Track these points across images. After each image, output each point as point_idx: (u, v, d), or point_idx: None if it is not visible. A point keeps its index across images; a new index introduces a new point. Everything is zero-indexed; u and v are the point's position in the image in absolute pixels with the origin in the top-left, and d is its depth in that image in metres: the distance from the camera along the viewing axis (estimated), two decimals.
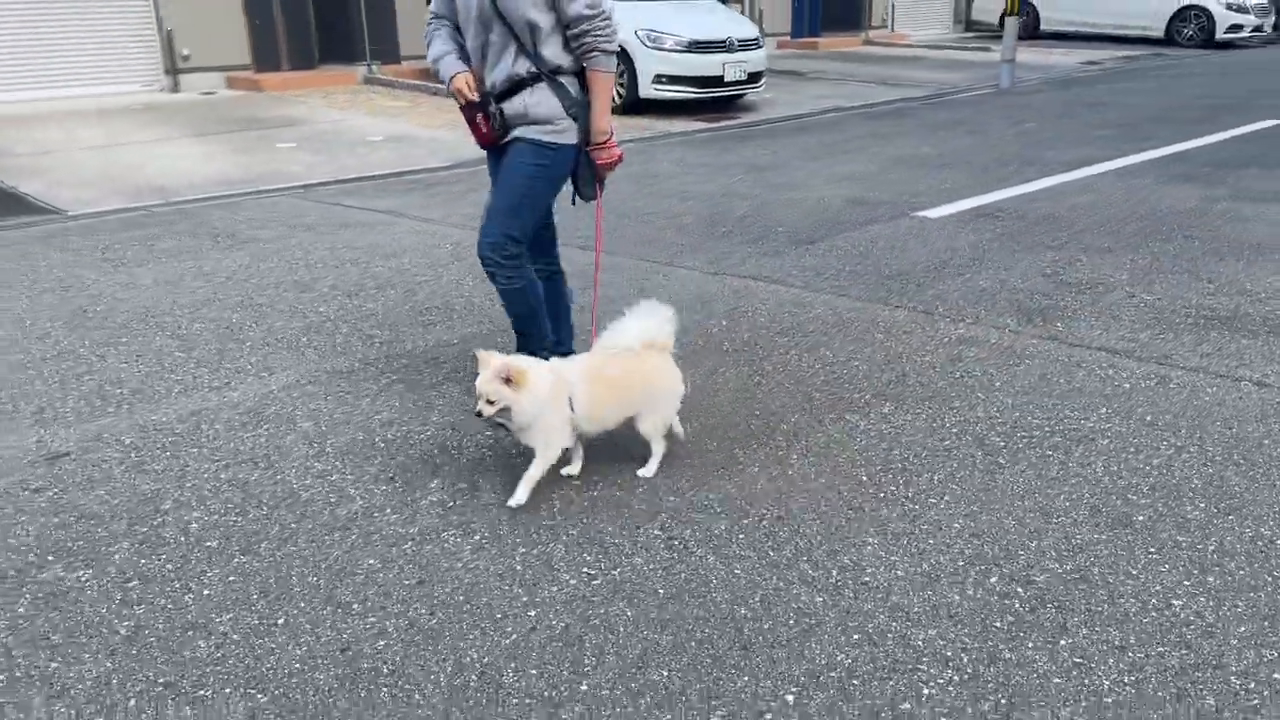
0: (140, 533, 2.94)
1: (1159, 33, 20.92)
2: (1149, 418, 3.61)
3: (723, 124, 11.44)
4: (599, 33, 3.30)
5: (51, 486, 3.23)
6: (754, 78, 12.42)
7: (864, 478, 3.23)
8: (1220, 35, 20.44)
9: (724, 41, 12.02)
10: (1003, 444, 3.43)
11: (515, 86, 3.36)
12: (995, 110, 12.04)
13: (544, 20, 3.26)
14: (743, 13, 16.85)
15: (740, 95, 12.59)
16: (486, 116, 3.39)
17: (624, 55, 11.70)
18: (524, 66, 3.32)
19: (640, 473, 3.23)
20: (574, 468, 3.24)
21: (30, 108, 11.44)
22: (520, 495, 3.04)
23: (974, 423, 3.60)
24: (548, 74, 3.34)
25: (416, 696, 2.28)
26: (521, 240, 3.49)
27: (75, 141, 9.68)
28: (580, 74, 3.41)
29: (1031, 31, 21.69)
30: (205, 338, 4.59)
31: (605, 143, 3.49)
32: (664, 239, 6.26)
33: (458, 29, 3.48)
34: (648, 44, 11.69)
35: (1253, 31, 20.86)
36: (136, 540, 2.91)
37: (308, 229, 6.68)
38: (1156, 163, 8.37)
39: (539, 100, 3.36)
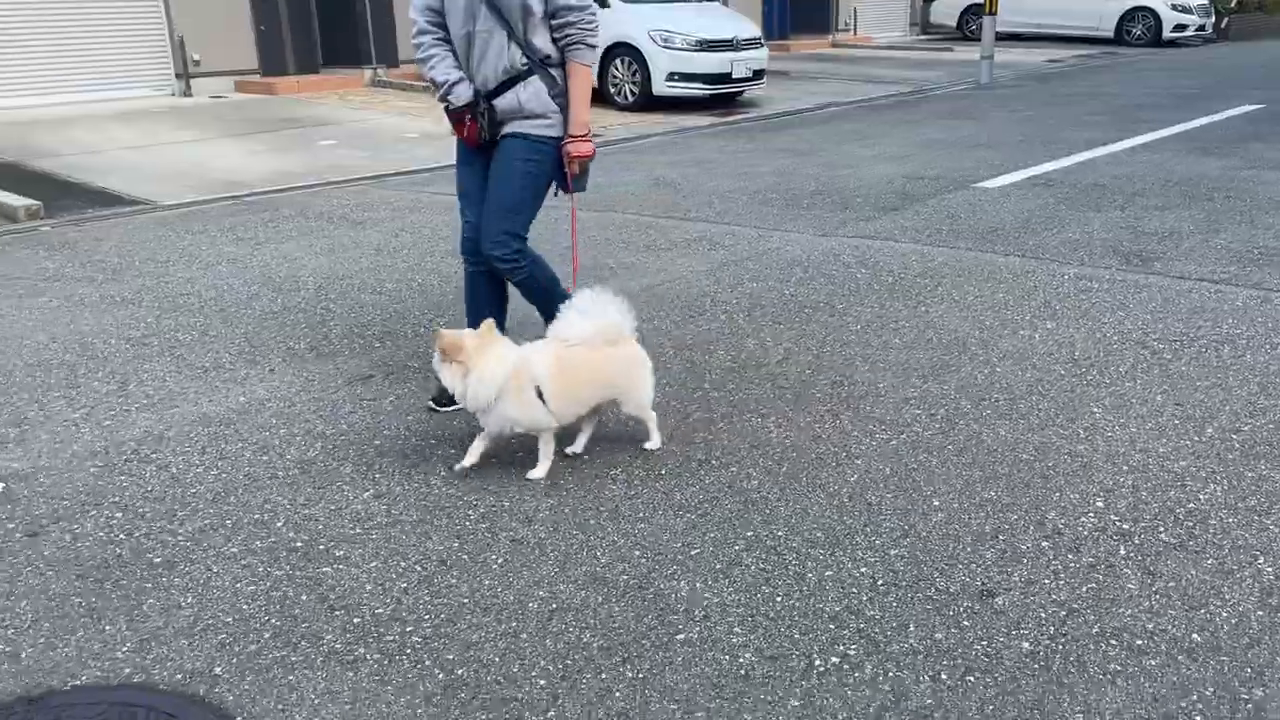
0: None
1: (1109, 33, 22.38)
2: (1269, 324, 4.43)
3: (736, 118, 12.21)
4: (584, 24, 3.35)
5: (381, 396, 3.81)
6: (758, 74, 13.26)
7: (1062, 371, 3.97)
8: (1166, 35, 21.96)
9: (730, 40, 12.83)
10: (1161, 345, 4.21)
11: (510, 80, 3.40)
12: (987, 102, 13.02)
13: (538, 7, 3.32)
14: None
15: (742, 92, 13.41)
16: (474, 118, 3.43)
17: (637, 54, 12.46)
18: (517, 56, 3.37)
19: (647, 445, 3.34)
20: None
21: (54, 111, 11.71)
22: (539, 470, 3.16)
23: (1129, 332, 4.37)
24: (539, 63, 3.40)
25: (813, 510, 2.94)
26: (523, 235, 3.59)
27: (115, 142, 10.04)
28: (564, 65, 3.46)
29: None
30: (410, 295, 5.17)
31: (584, 135, 3.49)
32: (757, 210, 6.97)
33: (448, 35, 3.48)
34: (660, 43, 12.43)
35: (1196, 31, 22.44)
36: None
37: (414, 211, 7.24)
38: (1164, 141, 9.35)
39: (533, 94, 3.41)
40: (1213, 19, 23.27)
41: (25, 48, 12.04)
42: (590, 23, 3.36)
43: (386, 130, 11.09)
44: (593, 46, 3.40)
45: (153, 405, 3.77)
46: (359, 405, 3.74)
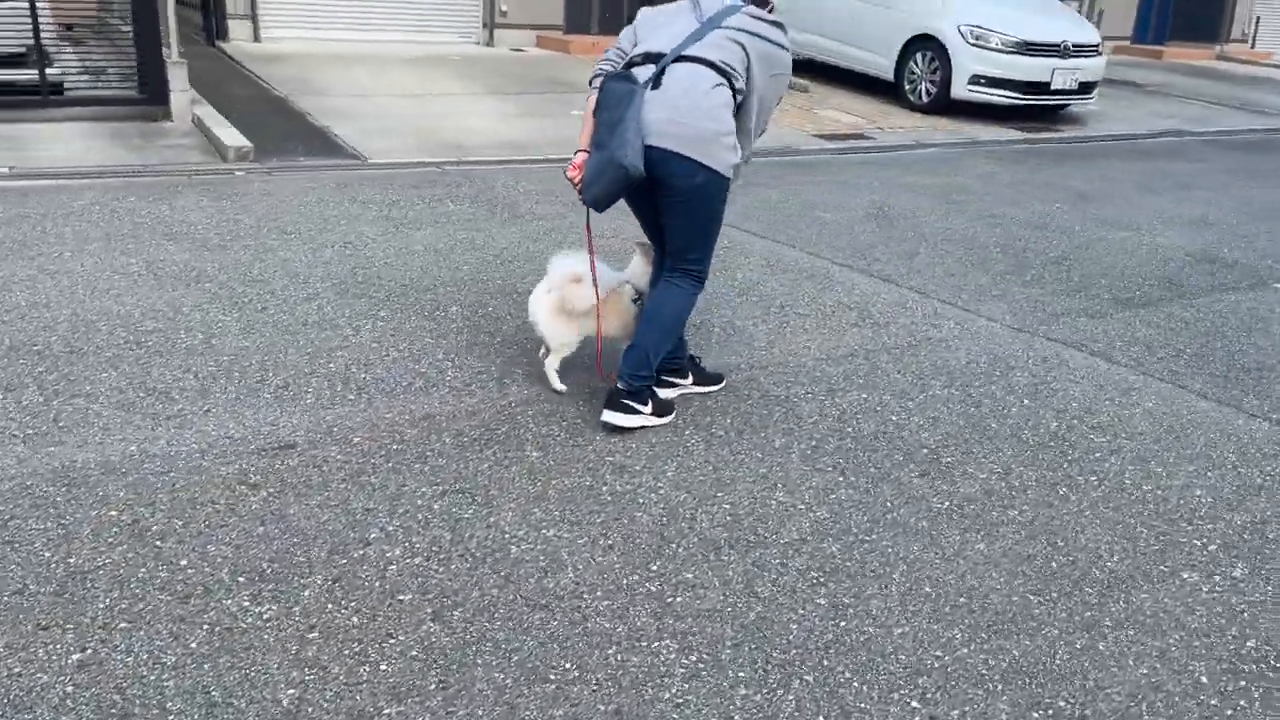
0: None
1: None
2: None
3: (1041, 135, 10.27)
4: None
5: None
6: (1085, 88, 11.10)
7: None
8: None
9: (1058, 45, 10.78)
10: None
11: None
12: None
13: None
14: (1080, 11, 15.15)
15: (1065, 105, 11.31)
16: None
17: (940, 50, 10.75)
18: None
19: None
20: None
21: (358, 48, 11.90)
22: None
23: None
24: None
25: None
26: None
27: (388, 88, 9.94)
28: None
29: None
30: (463, 324, 4.34)
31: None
32: (963, 274, 5.46)
33: None
34: (970, 41, 10.64)
35: None
36: None
37: (580, 210, 6.35)
38: None
39: None
40: None
41: None
42: None
43: None
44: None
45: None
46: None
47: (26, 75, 7.56)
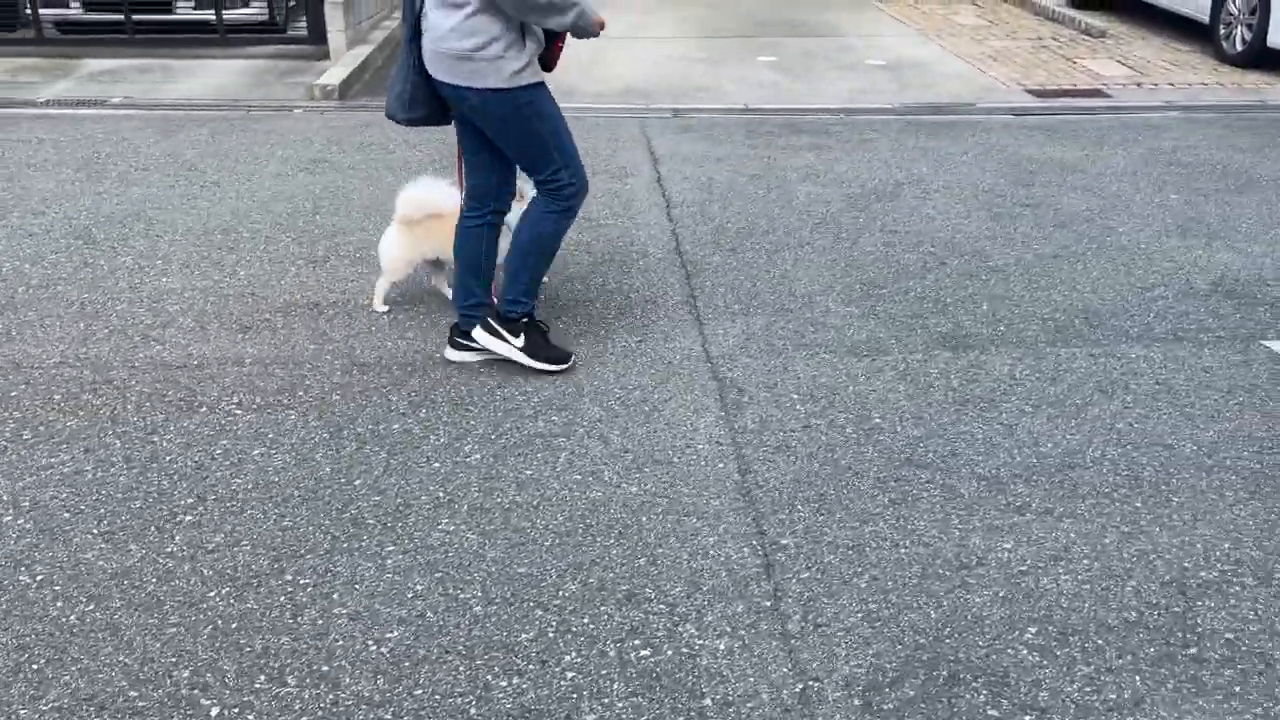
0: None
1: None
2: None
3: None
4: None
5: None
6: None
7: None
8: None
9: None
10: None
11: None
12: None
13: None
14: None
15: None
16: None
17: None
18: None
19: None
20: None
21: None
22: None
23: None
24: None
25: None
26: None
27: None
28: None
29: None
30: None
31: None
32: (797, 282, 4.06)
33: None
34: None
35: None
36: None
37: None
38: None
39: None
40: None
41: None
42: None
43: (859, 51, 8.77)
44: None
45: None
46: None
47: (204, 15, 8.56)
